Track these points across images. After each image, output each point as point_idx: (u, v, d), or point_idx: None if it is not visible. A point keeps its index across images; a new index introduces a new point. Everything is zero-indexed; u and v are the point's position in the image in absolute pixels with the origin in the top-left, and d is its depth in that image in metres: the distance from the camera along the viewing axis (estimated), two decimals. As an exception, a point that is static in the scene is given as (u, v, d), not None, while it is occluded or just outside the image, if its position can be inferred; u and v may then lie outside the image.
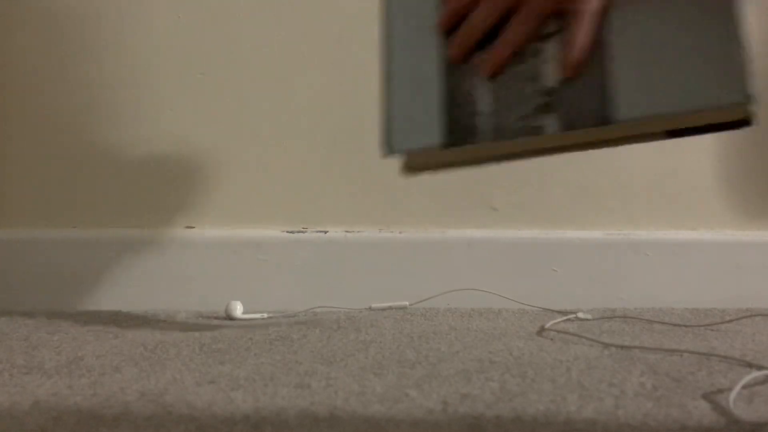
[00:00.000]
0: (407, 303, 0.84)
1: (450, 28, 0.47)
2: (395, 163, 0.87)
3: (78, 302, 0.85)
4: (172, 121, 0.87)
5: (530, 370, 0.57)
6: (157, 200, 0.87)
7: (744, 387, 0.52)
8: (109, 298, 0.85)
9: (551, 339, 0.69)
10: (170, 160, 0.87)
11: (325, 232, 0.87)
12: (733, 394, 0.50)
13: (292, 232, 0.87)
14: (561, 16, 0.44)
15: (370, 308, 0.83)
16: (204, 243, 0.86)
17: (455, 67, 0.48)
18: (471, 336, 0.70)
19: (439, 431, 0.44)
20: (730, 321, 0.78)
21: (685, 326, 0.76)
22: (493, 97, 0.47)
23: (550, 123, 0.46)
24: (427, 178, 0.88)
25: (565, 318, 0.78)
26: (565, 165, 0.89)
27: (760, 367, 0.57)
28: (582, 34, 0.42)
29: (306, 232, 0.87)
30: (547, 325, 0.74)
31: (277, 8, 0.86)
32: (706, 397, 0.51)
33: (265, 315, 0.80)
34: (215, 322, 0.78)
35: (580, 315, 0.79)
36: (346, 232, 0.87)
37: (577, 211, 0.90)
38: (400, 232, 0.88)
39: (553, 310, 0.83)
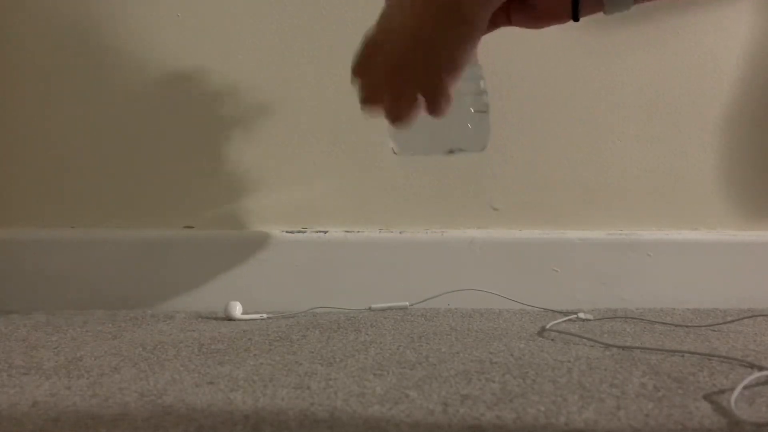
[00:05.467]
0: (407, 303, 0.84)
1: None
2: (395, 163, 0.87)
3: (77, 302, 0.84)
4: (171, 121, 0.86)
5: (531, 371, 0.57)
6: (156, 200, 0.87)
7: (745, 388, 0.52)
8: (108, 298, 0.84)
9: (552, 339, 0.69)
10: (170, 160, 0.87)
11: (325, 232, 0.87)
12: (734, 395, 0.50)
13: (292, 232, 0.87)
14: None
15: (370, 309, 0.83)
16: (203, 243, 0.85)
17: None
18: (471, 336, 0.70)
19: (439, 432, 0.44)
20: (732, 321, 0.77)
21: (687, 326, 0.76)
22: None
23: None
24: (427, 178, 0.88)
25: (566, 318, 0.78)
26: (566, 165, 0.89)
27: (761, 368, 0.57)
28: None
29: (306, 232, 0.87)
30: (548, 326, 0.74)
31: (277, 8, 0.86)
32: (707, 397, 0.51)
33: (265, 315, 0.80)
34: (214, 322, 0.78)
35: (581, 315, 0.79)
36: (346, 232, 0.87)
37: (578, 211, 0.90)
38: (400, 232, 0.88)
39: (554, 311, 0.83)
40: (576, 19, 0.61)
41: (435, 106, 0.56)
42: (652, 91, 0.89)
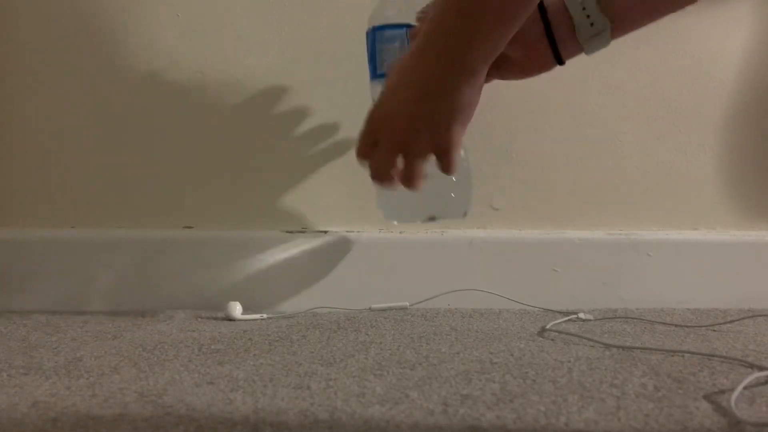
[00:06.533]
0: (407, 303, 0.84)
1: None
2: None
3: (76, 302, 0.84)
4: (171, 121, 0.86)
5: (531, 371, 0.57)
6: (156, 200, 0.87)
7: (746, 388, 0.52)
8: (108, 299, 0.84)
9: (552, 339, 0.69)
10: (170, 160, 0.87)
11: (325, 232, 0.87)
12: (734, 395, 0.50)
13: (292, 232, 0.87)
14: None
15: (370, 309, 0.83)
16: (203, 243, 0.85)
17: None
18: (471, 337, 0.70)
19: (439, 432, 0.44)
20: (732, 321, 0.77)
21: (687, 327, 0.76)
22: None
23: None
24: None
25: (566, 318, 0.78)
26: (566, 165, 0.89)
27: (761, 368, 0.57)
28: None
29: (306, 232, 0.87)
30: (548, 326, 0.74)
31: (277, 8, 0.86)
32: (707, 398, 0.51)
33: (265, 315, 0.80)
34: (214, 322, 0.78)
35: (582, 315, 0.79)
36: (346, 232, 0.87)
37: (578, 211, 0.90)
38: (400, 232, 0.88)
39: (554, 311, 0.83)
40: (561, 63, 0.63)
41: (447, 161, 0.57)
42: (652, 92, 0.89)
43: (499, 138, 0.88)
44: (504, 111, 0.88)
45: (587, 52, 0.63)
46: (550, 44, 0.61)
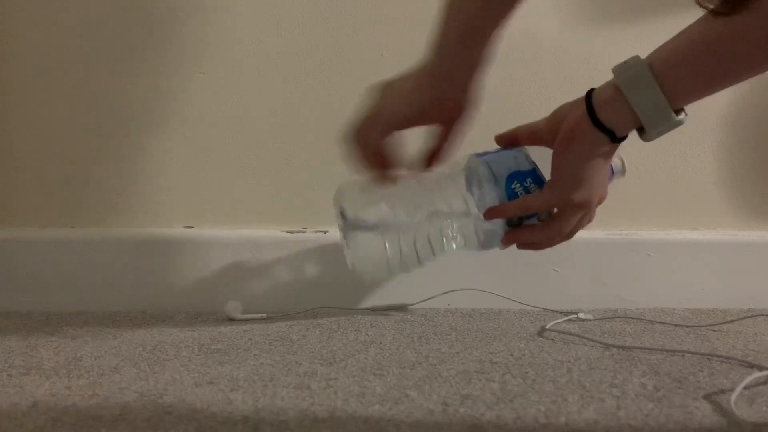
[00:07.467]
0: (407, 303, 0.84)
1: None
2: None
3: (76, 302, 0.84)
4: (170, 121, 0.86)
5: (531, 371, 0.57)
6: (156, 200, 0.87)
7: (745, 387, 0.52)
8: (108, 299, 0.84)
9: (552, 339, 0.69)
10: (170, 160, 0.87)
11: (325, 232, 0.87)
12: (734, 395, 0.50)
13: (292, 232, 0.87)
14: None
15: (370, 309, 0.83)
16: (203, 243, 0.85)
17: None
18: (471, 336, 0.70)
19: (439, 432, 0.44)
20: (732, 321, 0.77)
21: (687, 326, 0.76)
22: None
23: None
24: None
25: (566, 318, 0.78)
26: (566, 165, 0.89)
27: (761, 368, 0.57)
28: None
29: (306, 232, 0.87)
30: (548, 326, 0.74)
31: (277, 8, 0.86)
32: (707, 397, 0.51)
33: (265, 315, 0.80)
34: (214, 322, 0.78)
35: (581, 315, 0.79)
36: (346, 232, 0.87)
37: (577, 211, 0.90)
38: (401, 232, 0.88)
39: (554, 311, 0.83)
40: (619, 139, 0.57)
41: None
42: (652, 91, 0.89)
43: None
44: (504, 112, 0.88)
45: (646, 137, 0.56)
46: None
